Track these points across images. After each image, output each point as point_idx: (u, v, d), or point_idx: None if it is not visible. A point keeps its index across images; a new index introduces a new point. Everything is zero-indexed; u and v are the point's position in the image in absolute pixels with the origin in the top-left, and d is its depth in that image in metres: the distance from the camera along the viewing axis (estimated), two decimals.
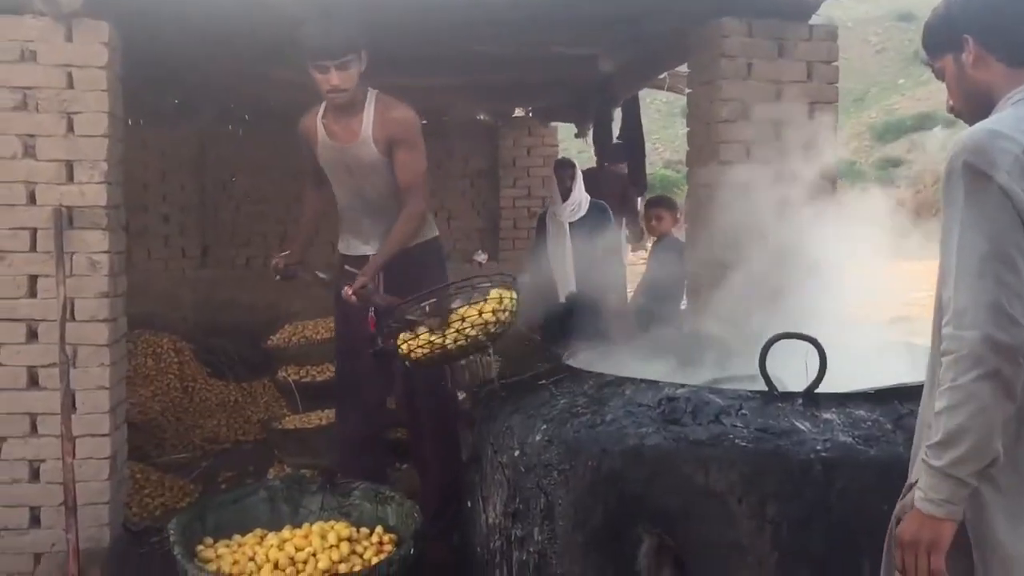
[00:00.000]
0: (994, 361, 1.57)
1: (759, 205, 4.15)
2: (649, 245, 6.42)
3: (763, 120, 4.12)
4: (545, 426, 2.60)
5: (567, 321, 5.66)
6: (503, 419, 2.76)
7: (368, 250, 3.65)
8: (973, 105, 1.86)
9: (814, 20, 4.22)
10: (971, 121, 1.83)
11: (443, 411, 3.68)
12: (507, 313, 3.02)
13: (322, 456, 4.59)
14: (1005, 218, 1.60)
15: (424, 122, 8.13)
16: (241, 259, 7.98)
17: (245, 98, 7.03)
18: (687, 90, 4.60)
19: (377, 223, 3.61)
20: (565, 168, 6.05)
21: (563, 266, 5.98)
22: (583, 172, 6.08)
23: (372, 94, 3.59)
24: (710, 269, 4.29)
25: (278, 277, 3.78)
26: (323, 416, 5.08)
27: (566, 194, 5.94)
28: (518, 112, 8.28)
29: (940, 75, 1.92)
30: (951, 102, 1.92)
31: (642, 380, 2.69)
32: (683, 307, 5.66)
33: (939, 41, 1.90)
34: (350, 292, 3.40)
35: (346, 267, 3.62)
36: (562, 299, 5.96)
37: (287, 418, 5.46)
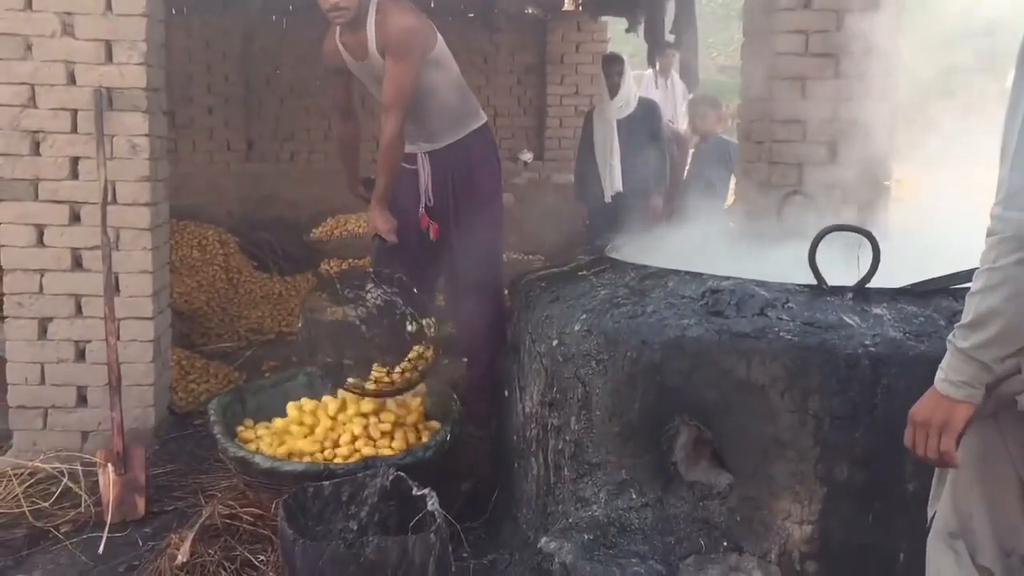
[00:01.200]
0: None
1: (815, 100, 3.99)
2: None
3: (825, 8, 3.92)
4: (585, 316, 2.54)
5: (613, 221, 5.58)
6: (542, 308, 2.71)
7: (414, 149, 3.57)
8: None
9: None
10: None
11: (491, 302, 3.63)
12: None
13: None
14: None
15: (471, 15, 7.99)
16: (286, 153, 7.95)
17: None
18: None
19: (419, 124, 3.52)
20: (613, 64, 5.87)
21: (609, 165, 5.86)
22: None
23: (373, 2, 3.38)
24: (760, 166, 4.16)
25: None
26: None
27: (614, 90, 5.78)
28: (568, 5, 8.02)
29: None
30: None
31: (686, 272, 2.61)
32: (727, 206, 5.55)
33: None
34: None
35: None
36: (608, 199, 5.87)
37: (328, 310, 5.48)
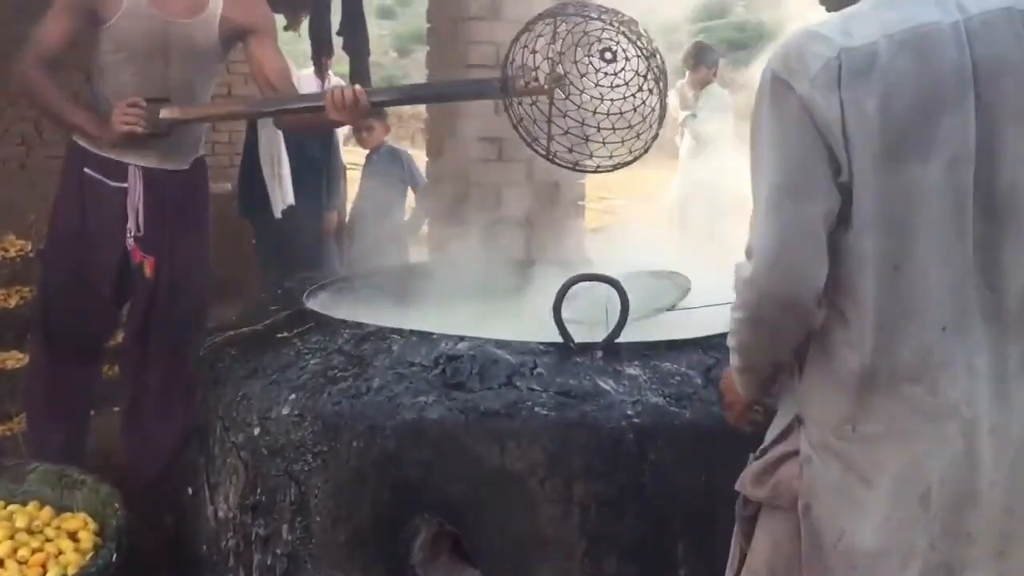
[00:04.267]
0: (756, 309, 1.45)
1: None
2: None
3: (517, 20, 3.68)
4: (294, 396, 2.05)
5: (284, 239, 5.04)
6: (235, 385, 2.16)
7: (141, 162, 2.75)
8: None
9: None
10: (835, 9, 1.52)
11: (184, 352, 2.90)
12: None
13: None
14: (802, 138, 1.36)
15: None
16: None
17: None
18: None
19: None
20: None
21: (278, 175, 5.29)
22: None
23: None
24: (455, 187, 3.87)
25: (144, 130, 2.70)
26: None
27: None
28: None
29: None
30: None
31: (411, 331, 2.20)
32: (407, 219, 5.22)
33: None
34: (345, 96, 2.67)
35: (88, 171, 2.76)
36: (277, 214, 5.29)
37: None
